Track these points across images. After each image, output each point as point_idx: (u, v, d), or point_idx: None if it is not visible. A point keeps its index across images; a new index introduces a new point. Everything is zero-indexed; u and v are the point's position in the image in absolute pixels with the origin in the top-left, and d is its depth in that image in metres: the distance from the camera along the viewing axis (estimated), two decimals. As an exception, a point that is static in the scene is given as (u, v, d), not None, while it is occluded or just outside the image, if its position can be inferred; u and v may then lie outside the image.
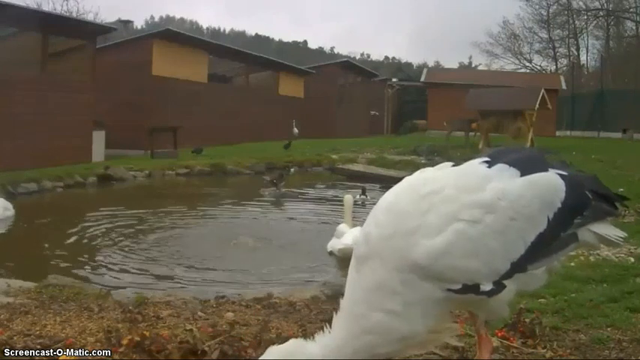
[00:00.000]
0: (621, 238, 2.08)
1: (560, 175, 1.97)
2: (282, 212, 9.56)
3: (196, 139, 18.56)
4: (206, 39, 27.40)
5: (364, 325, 1.83)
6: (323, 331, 1.93)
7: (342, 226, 6.36)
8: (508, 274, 1.83)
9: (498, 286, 1.82)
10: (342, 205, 6.75)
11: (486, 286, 1.80)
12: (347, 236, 6.06)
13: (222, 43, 28.74)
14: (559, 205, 1.91)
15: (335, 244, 6.16)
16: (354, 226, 6.22)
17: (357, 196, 8.03)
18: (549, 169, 1.99)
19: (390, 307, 1.80)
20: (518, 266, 1.84)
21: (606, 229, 2.05)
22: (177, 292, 4.30)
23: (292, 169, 12.02)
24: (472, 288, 1.79)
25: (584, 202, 1.98)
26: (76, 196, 11.16)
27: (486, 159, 1.97)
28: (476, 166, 1.96)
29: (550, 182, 1.94)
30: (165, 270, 5.64)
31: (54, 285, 3.99)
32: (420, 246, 1.78)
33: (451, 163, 2.07)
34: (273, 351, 1.91)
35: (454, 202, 1.82)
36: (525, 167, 1.93)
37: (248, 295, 3.87)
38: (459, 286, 1.79)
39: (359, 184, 11.98)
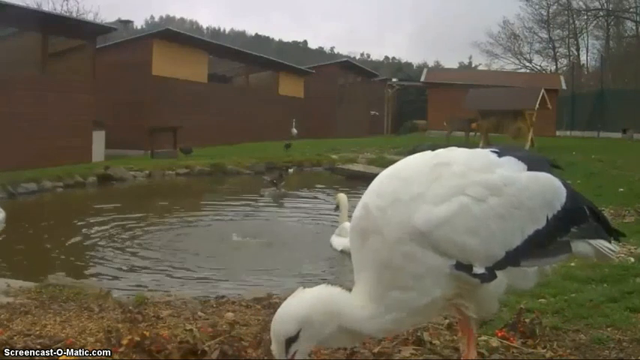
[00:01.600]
0: (614, 252, 2.12)
1: (563, 182, 2.02)
2: (282, 212, 9.57)
3: (196, 139, 18.57)
4: (206, 39, 27.43)
5: (388, 304, 1.80)
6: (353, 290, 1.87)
7: (348, 225, 6.36)
8: (502, 264, 1.83)
9: (490, 273, 1.81)
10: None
11: (479, 269, 1.80)
12: None
13: (222, 43, 28.78)
14: (559, 208, 1.94)
15: (347, 243, 6.12)
16: None
17: None
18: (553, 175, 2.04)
19: (403, 283, 1.77)
20: (513, 257, 1.85)
21: (600, 241, 2.08)
22: (177, 292, 4.30)
23: (290, 170, 12.03)
24: (466, 267, 1.78)
25: (582, 213, 2.03)
26: (76, 196, 11.16)
27: (496, 149, 2.01)
28: (486, 152, 2.00)
29: (553, 184, 1.98)
30: (166, 270, 5.64)
31: (54, 285, 3.98)
32: (422, 211, 1.76)
33: (456, 147, 2.07)
34: (305, 294, 1.80)
35: (462, 178, 1.83)
36: (532, 164, 1.98)
37: (248, 295, 3.87)
38: (452, 262, 1.78)
39: (359, 185, 11.99)
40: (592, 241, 2.06)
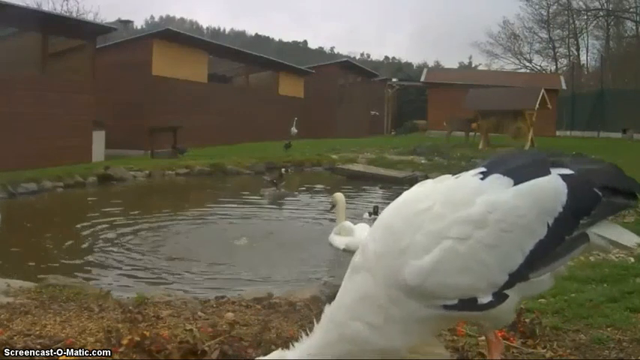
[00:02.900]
0: (637, 243, 2.01)
1: (564, 176, 1.90)
2: (281, 212, 9.56)
3: (196, 139, 18.58)
4: (206, 39, 27.40)
5: (342, 333, 1.85)
6: (302, 337, 1.96)
7: (349, 223, 6.41)
8: (508, 285, 1.81)
9: (499, 297, 1.81)
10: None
11: (484, 299, 1.80)
12: (361, 232, 6.11)
13: (222, 43, 28.75)
14: (560, 210, 1.84)
15: (351, 242, 6.13)
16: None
17: (367, 215, 7.98)
18: (551, 171, 1.91)
19: (371, 319, 1.82)
20: (518, 276, 1.81)
21: (620, 234, 1.98)
22: (177, 292, 4.30)
23: (284, 170, 11.99)
24: (469, 302, 1.79)
25: (591, 201, 1.90)
26: (76, 196, 11.15)
27: (482, 169, 1.94)
28: (469, 179, 1.93)
29: (547, 187, 1.87)
30: (166, 270, 5.64)
31: (54, 285, 3.98)
32: (409, 266, 1.79)
33: (450, 175, 2.04)
34: None
35: (442, 220, 1.81)
36: (520, 175, 1.88)
37: (248, 295, 3.87)
38: (455, 302, 1.79)
39: (359, 185, 11.99)
40: (608, 233, 1.95)
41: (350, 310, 1.85)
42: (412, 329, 1.84)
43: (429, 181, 2.06)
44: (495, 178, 1.88)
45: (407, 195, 2.00)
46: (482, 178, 1.89)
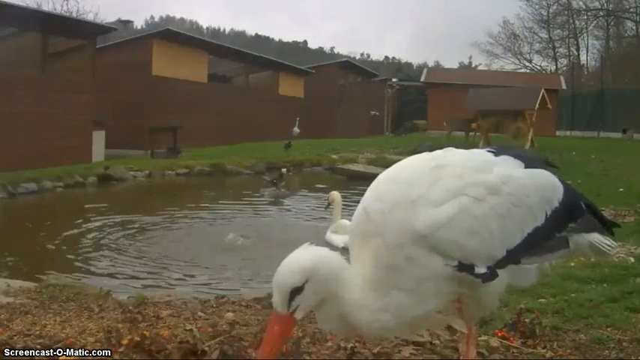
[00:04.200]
0: (612, 247, 2.13)
1: (559, 179, 2.04)
2: (281, 212, 9.56)
3: (196, 139, 18.59)
4: (206, 39, 27.41)
5: (385, 301, 1.76)
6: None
7: (346, 222, 6.42)
8: (502, 263, 1.84)
9: (492, 272, 1.81)
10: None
11: (481, 269, 1.79)
12: None
13: (222, 43, 28.76)
14: (557, 204, 1.95)
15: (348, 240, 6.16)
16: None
17: None
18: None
19: (404, 285, 1.75)
20: (513, 256, 1.85)
21: (598, 236, 2.10)
22: (177, 292, 4.30)
23: (284, 170, 12.00)
24: (467, 267, 1.78)
25: (579, 209, 2.05)
26: (76, 196, 11.16)
27: (492, 149, 2.02)
28: (483, 152, 2.01)
29: (550, 180, 1.99)
30: (165, 270, 5.64)
31: (54, 285, 3.98)
32: (421, 214, 1.75)
33: (454, 148, 2.07)
34: (314, 248, 1.80)
35: (461, 179, 1.83)
36: (529, 161, 1.98)
37: (248, 295, 3.87)
38: (454, 263, 1.77)
39: (359, 185, 11.98)
40: (589, 236, 2.08)
41: (382, 282, 1.76)
42: (443, 289, 1.79)
43: (436, 151, 2.05)
44: (507, 158, 1.96)
45: (416, 156, 2.00)
46: (494, 155, 1.97)
